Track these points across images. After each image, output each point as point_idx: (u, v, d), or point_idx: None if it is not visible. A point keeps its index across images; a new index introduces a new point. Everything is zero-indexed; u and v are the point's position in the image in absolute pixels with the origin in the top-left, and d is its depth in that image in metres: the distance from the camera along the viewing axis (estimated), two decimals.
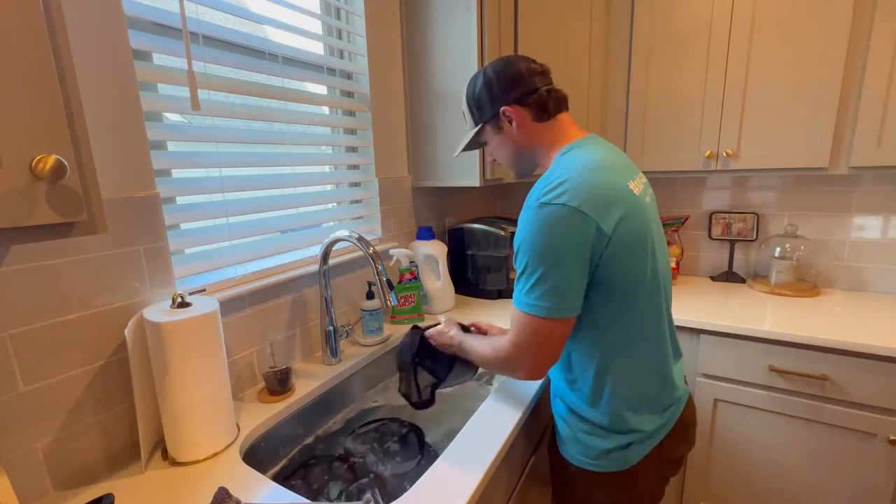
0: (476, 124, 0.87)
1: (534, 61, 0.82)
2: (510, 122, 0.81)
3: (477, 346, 0.85)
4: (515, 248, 0.70)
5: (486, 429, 0.82)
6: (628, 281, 0.69)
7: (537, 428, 1.05)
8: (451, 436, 0.82)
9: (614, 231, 0.64)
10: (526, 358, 0.72)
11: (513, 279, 0.77)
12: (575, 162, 0.71)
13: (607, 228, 0.64)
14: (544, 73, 0.82)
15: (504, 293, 1.59)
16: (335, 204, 1.33)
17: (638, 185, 0.75)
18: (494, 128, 0.84)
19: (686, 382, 0.90)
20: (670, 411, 0.80)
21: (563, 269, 0.64)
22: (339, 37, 1.31)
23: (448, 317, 1.02)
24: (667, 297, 0.81)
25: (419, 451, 0.93)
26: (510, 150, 0.85)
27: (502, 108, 0.80)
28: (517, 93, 0.79)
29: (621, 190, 0.67)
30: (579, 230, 0.63)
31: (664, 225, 1.76)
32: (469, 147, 0.94)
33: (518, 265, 0.70)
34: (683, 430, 0.83)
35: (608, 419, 0.77)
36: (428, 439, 0.97)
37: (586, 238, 0.64)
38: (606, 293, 0.69)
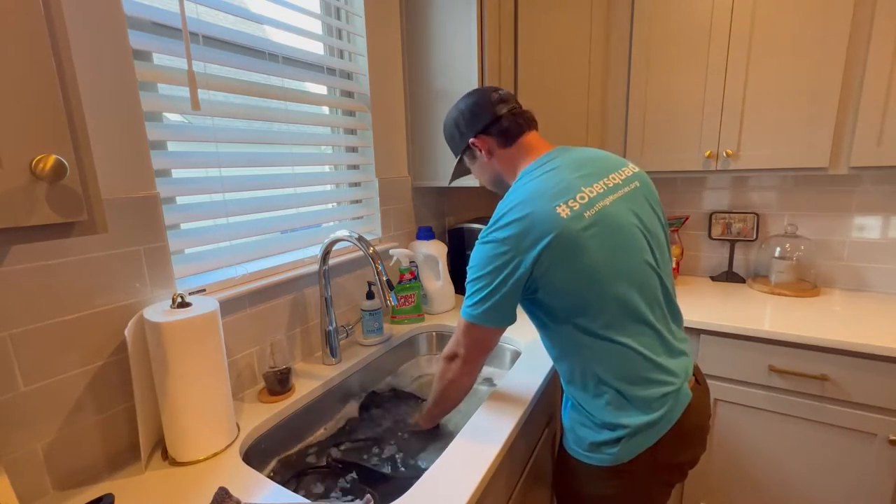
0: (456, 156, 0.98)
1: (496, 90, 0.91)
2: (479, 151, 0.91)
3: (432, 388, 0.96)
4: (468, 267, 0.83)
5: (486, 429, 0.83)
6: (570, 292, 0.76)
7: (537, 428, 1.05)
8: (450, 436, 0.82)
9: (538, 257, 0.73)
10: (462, 351, 0.86)
11: None
12: (518, 193, 0.80)
13: (530, 257, 0.74)
14: (506, 99, 0.90)
15: None
16: (335, 204, 1.33)
17: (581, 198, 0.76)
18: (470, 157, 0.95)
19: (700, 387, 0.87)
20: (662, 410, 0.77)
21: (493, 290, 0.77)
22: (339, 37, 1.31)
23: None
24: (633, 296, 0.78)
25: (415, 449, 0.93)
26: (486, 176, 0.96)
27: (470, 140, 0.91)
28: (481, 124, 0.89)
29: (548, 216, 0.74)
30: (505, 262, 0.76)
31: None
32: (458, 175, 1.04)
33: (467, 281, 0.83)
34: (684, 434, 0.80)
35: (598, 412, 0.80)
36: (427, 439, 0.97)
37: (511, 268, 0.75)
38: (556, 304, 0.78)
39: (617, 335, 0.76)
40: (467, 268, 0.83)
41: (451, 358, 0.88)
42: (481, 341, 0.85)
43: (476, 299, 0.80)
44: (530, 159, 0.87)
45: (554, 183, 0.79)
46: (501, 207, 0.80)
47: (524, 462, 0.99)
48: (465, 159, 0.97)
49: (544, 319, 0.82)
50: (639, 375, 0.77)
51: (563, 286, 0.75)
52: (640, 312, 0.78)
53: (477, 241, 0.82)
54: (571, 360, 0.82)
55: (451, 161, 1.43)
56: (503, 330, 0.83)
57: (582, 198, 0.76)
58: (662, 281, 0.83)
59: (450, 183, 1.09)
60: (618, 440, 0.77)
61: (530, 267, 0.74)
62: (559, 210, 0.74)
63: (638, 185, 0.85)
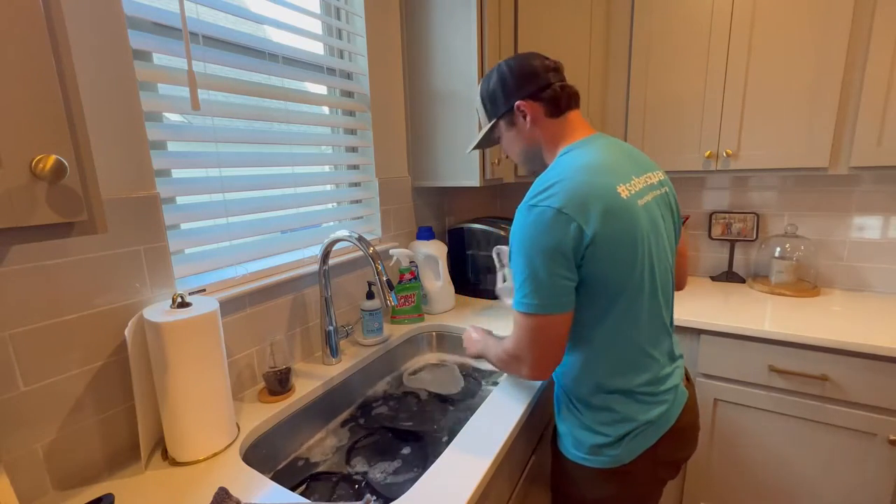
0: (490, 119, 0.88)
1: (548, 58, 0.84)
2: (524, 116, 0.83)
3: (493, 348, 0.89)
4: (510, 249, 0.75)
5: (486, 429, 0.83)
6: (611, 280, 0.71)
7: (537, 428, 1.05)
8: (451, 436, 0.82)
9: (596, 232, 0.67)
10: (526, 354, 0.75)
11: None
12: (571, 163, 0.74)
13: (588, 229, 0.67)
14: (558, 69, 0.84)
15: None
16: (335, 204, 1.33)
17: (633, 187, 0.75)
18: (508, 123, 0.86)
19: (690, 385, 0.88)
20: (663, 407, 0.79)
21: (549, 267, 0.68)
22: (339, 37, 1.31)
23: (472, 325, 1.08)
24: (657, 297, 0.78)
25: (418, 449, 0.93)
26: (521, 146, 0.87)
27: (517, 103, 0.82)
28: (531, 87, 0.81)
29: (608, 192, 0.70)
30: (562, 230, 0.67)
31: None
32: (483, 144, 0.95)
33: (514, 266, 0.74)
34: (681, 432, 0.82)
35: (597, 413, 0.79)
36: (428, 439, 0.97)
37: (568, 237, 0.67)
38: (589, 291, 0.73)
39: (625, 333, 0.76)
40: (511, 246, 0.74)
41: (514, 363, 0.78)
42: (551, 336, 0.73)
43: (534, 285, 0.69)
44: (573, 138, 0.81)
45: (610, 161, 0.75)
46: (552, 175, 0.72)
47: (524, 462, 0.99)
48: (502, 125, 0.87)
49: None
50: (638, 376, 0.78)
51: (612, 263, 0.70)
52: (661, 312, 0.79)
53: (520, 210, 0.72)
54: (583, 351, 0.78)
55: (450, 161, 1.45)
56: (570, 315, 0.73)
57: (633, 186, 0.75)
58: (672, 286, 0.85)
59: (469, 151, 0.99)
60: (620, 439, 0.77)
61: (591, 236, 0.67)
62: (619, 189, 0.71)
63: (667, 190, 0.86)
